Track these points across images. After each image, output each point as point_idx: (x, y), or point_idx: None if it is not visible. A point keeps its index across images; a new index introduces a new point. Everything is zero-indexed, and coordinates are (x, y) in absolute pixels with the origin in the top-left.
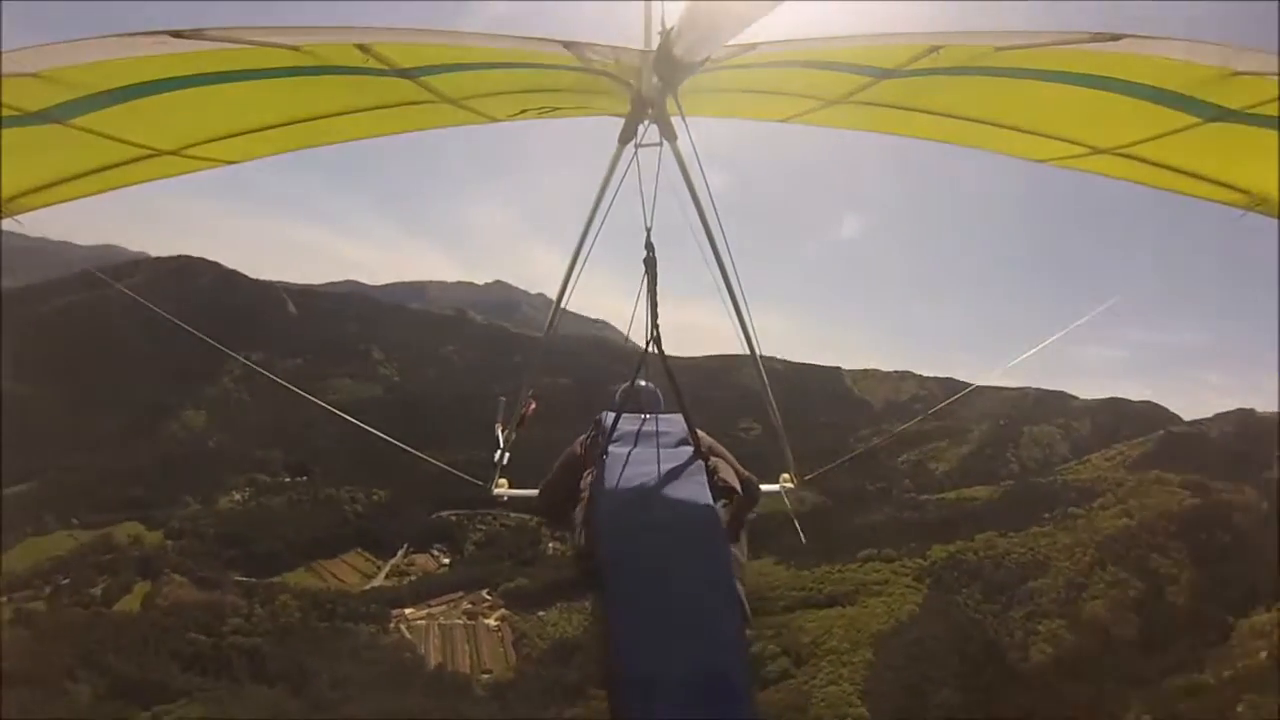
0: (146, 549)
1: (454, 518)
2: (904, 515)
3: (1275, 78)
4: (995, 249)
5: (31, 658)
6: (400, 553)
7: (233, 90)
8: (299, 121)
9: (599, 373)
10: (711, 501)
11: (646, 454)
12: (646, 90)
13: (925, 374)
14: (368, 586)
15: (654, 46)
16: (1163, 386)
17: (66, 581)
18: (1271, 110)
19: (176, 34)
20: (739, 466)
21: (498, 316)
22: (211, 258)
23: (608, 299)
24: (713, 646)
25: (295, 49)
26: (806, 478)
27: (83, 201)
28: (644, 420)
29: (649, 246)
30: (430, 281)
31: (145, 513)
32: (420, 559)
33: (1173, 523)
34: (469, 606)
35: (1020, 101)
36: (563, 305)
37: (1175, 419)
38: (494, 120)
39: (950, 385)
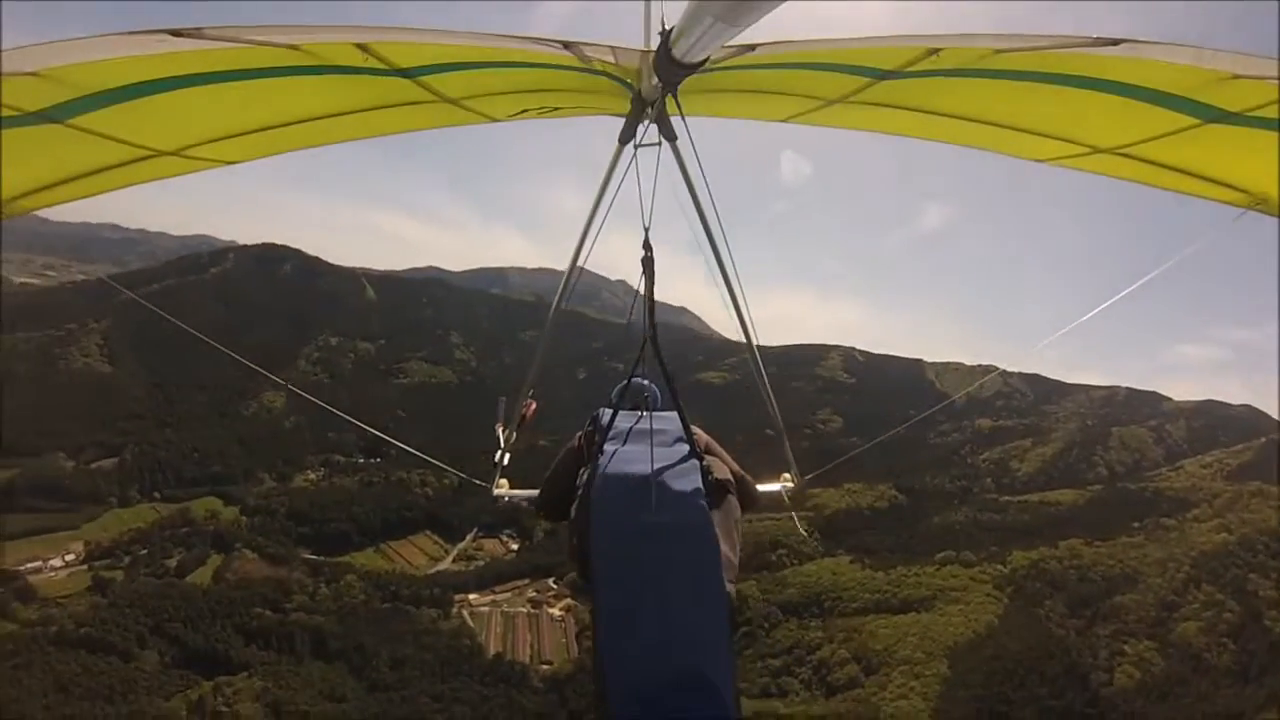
0: (222, 524)
1: (525, 503)
2: (984, 517)
3: (1275, 81)
4: (1090, 239)
5: (104, 624)
6: (469, 537)
7: (232, 90)
8: (299, 122)
9: (678, 360)
10: (704, 501)
11: (641, 452)
12: (646, 90)
13: (1010, 369)
14: (433, 570)
15: (654, 47)
16: (1264, 389)
17: (145, 552)
18: (1271, 113)
19: (176, 33)
20: (735, 466)
21: (578, 302)
22: (299, 245)
23: (690, 284)
24: (695, 649)
25: (295, 48)
26: (808, 477)
27: (180, 194)
28: (640, 418)
29: (647, 246)
30: (511, 268)
31: (223, 489)
32: (489, 544)
33: (1274, 540)
34: (534, 595)
35: (1020, 102)
36: (561, 305)
37: (1277, 426)
38: (494, 120)
39: (1036, 381)
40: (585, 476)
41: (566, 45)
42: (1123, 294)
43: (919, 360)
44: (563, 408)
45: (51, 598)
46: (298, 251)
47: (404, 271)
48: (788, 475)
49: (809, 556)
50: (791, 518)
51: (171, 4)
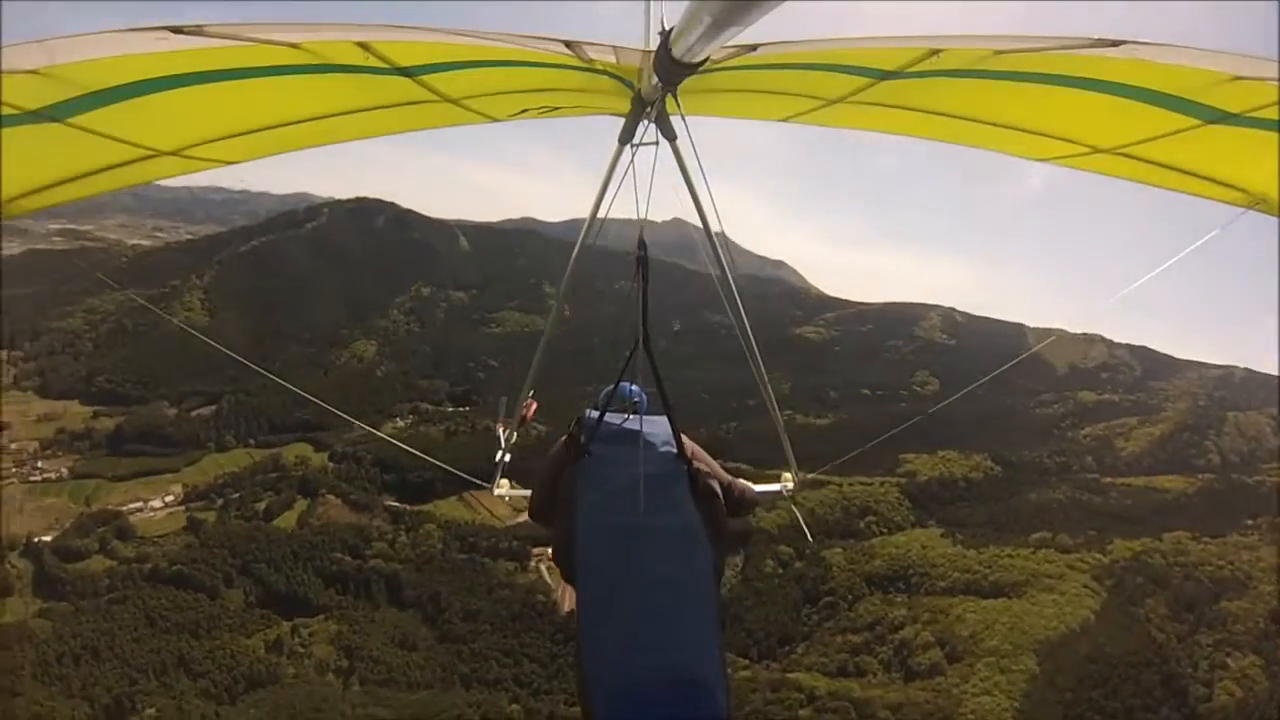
0: (310, 470)
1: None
2: (1084, 498)
3: (1275, 82)
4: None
5: (194, 563)
6: None
7: (233, 89)
8: (299, 121)
9: (775, 312)
10: (692, 506)
11: (627, 454)
12: (646, 90)
13: (1116, 340)
14: (514, 522)
15: (654, 46)
16: None
17: (236, 496)
18: (1271, 114)
19: (176, 30)
20: (722, 474)
21: (675, 254)
22: (394, 199)
23: (789, 238)
24: (686, 648)
25: (296, 47)
26: (808, 477)
27: (281, 154)
28: (627, 421)
29: (641, 245)
30: (612, 220)
31: (313, 435)
32: None
33: None
34: None
35: (1020, 102)
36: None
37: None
38: (494, 119)
39: (1144, 355)
40: (570, 478)
41: (568, 44)
42: (1158, 270)
43: (1020, 325)
44: (660, 357)
45: (149, 536)
46: (392, 204)
47: (498, 222)
48: (788, 475)
49: (899, 526)
50: (794, 516)
51: (172, 4)
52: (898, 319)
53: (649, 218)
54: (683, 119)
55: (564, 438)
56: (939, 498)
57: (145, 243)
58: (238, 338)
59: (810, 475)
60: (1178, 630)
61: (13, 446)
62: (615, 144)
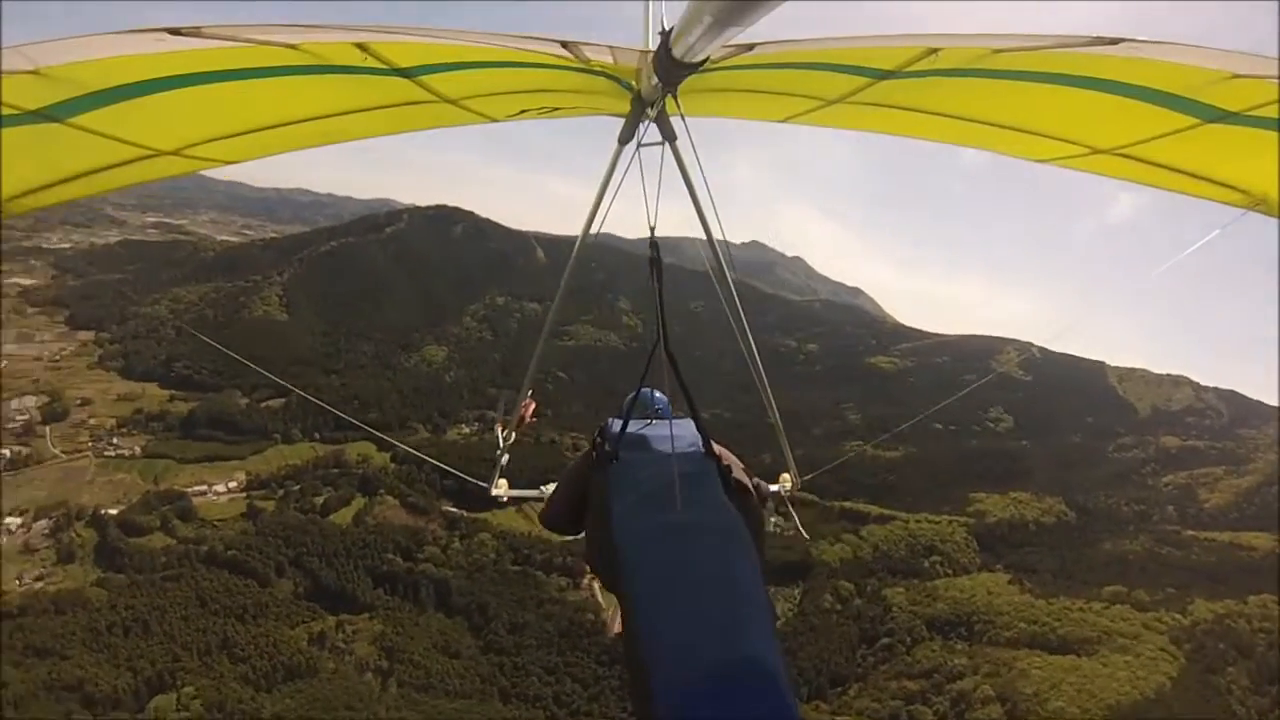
0: (371, 469)
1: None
2: (1163, 552)
3: (1275, 81)
4: None
5: (249, 549)
6: None
7: (232, 89)
8: (298, 122)
9: (849, 340)
10: (728, 503)
11: (655, 458)
12: (646, 90)
13: (1203, 382)
14: (572, 536)
15: (654, 46)
16: None
17: (297, 488)
18: (1271, 112)
19: (174, 31)
20: (748, 474)
21: (751, 275)
22: (473, 208)
23: (867, 265)
24: (748, 639)
25: (294, 47)
26: (806, 478)
27: (368, 160)
28: (652, 425)
29: (654, 247)
30: (685, 238)
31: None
32: None
33: None
34: None
35: (1019, 102)
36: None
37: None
38: (493, 120)
39: (1233, 400)
40: (601, 486)
41: (565, 45)
42: (1158, 270)
43: (1101, 363)
44: (725, 380)
45: (209, 519)
46: (470, 214)
47: (576, 236)
48: (786, 476)
49: (964, 569)
50: (792, 517)
51: (173, 4)
52: (974, 352)
53: (657, 223)
54: (683, 119)
55: (587, 449)
56: (1008, 541)
57: (233, 239)
58: (311, 334)
59: (807, 476)
60: (1259, 705)
61: (91, 422)
62: (617, 144)
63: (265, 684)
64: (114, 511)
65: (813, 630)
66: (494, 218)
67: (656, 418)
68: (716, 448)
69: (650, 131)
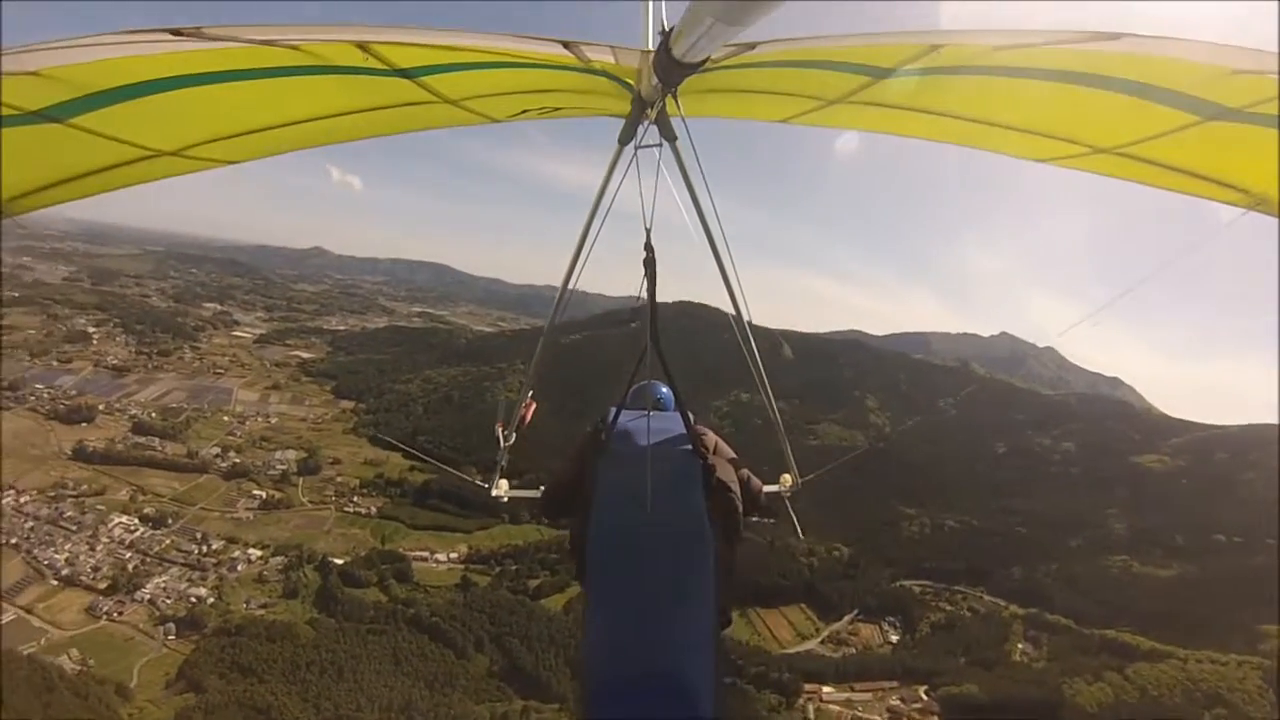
0: None
1: (919, 589)
2: None
3: (1274, 76)
4: None
5: (453, 620)
6: (846, 618)
7: (232, 90)
8: (298, 122)
9: (1110, 436)
10: (703, 502)
11: (644, 452)
12: (646, 91)
13: None
14: (793, 650)
15: (654, 47)
16: None
17: (515, 568)
18: (1271, 109)
19: (176, 32)
20: (741, 468)
21: (1002, 370)
22: (718, 305)
23: (1124, 353)
24: (676, 650)
25: (295, 48)
26: (806, 478)
27: (620, 258)
28: (647, 418)
29: (648, 248)
30: (933, 333)
31: None
32: (866, 630)
33: None
34: (897, 702)
35: (1020, 101)
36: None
37: None
38: (494, 120)
39: None
40: (593, 475)
41: (566, 45)
42: (1156, 271)
43: None
44: (975, 483)
45: (424, 584)
46: (716, 309)
47: (825, 333)
48: (787, 476)
49: None
50: (791, 518)
51: (173, 4)
52: (1256, 443)
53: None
54: (683, 120)
55: (590, 432)
56: None
57: (486, 329)
58: (549, 421)
59: (808, 477)
60: None
61: (338, 479)
62: (617, 145)
63: None
64: (340, 561)
65: None
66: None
67: (657, 409)
68: (710, 441)
69: (651, 133)
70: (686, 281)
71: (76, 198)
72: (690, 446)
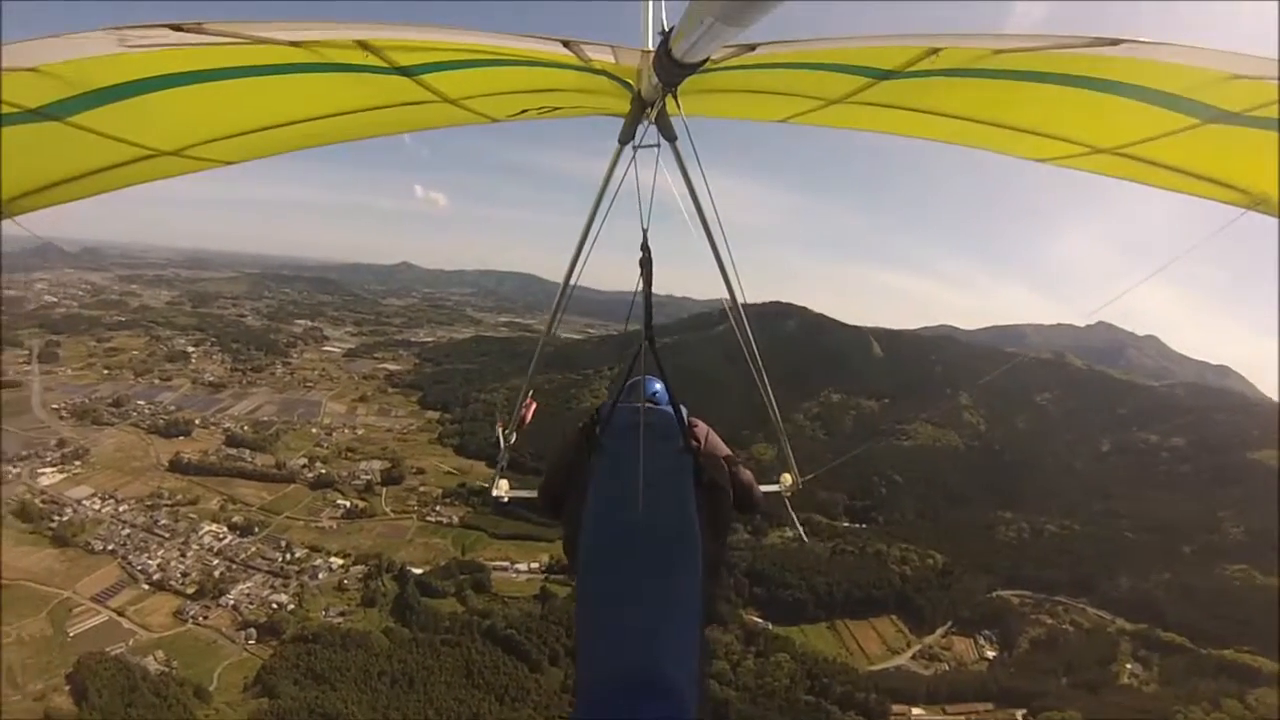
0: None
1: (1017, 600)
2: None
3: (1274, 81)
4: None
5: (529, 633)
6: (939, 631)
7: (233, 88)
8: (299, 121)
9: (1222, 430)
10: (691, 499)
11: (635, 449)
12: (646, 91)
13: None
14: (881, 666)
15: (654, 47)
16: None
17: None
18: (1270, 112)
19: (176, 28)
20: (733, 466)
21: (1100, 361)
22: (806, 304)
23: (1231, 339)
24: (662, 652)
25: (296, 45)
26: (807, 477)
27: (705, 264)
28: (640, 413)
29: (645, 248)
30: (1027, 325)
31: None
32: (961, 644)
33: None
34: None
35: (1020, 102)
36: (557, 314)
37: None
38: (494, 120)
39: None
40: (585, 475)
41: (566, 44)
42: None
43: None
44: (1076, 482)
45: (502, 594)
46: (803, 309)
47: (915, 330)
48: (786, 475)
49: None
50: (792, 519)
51: (173, 4)
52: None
53: (648, 218)
54: (683, 120)
55: (583, 425)
56: None
57: (575, 336)
58: None
59: (808, 476)
60: None
61: (421, 489)
62: (617, 145)
63: None
64: (419, 571)
65: None
66: (828, 313)
67: (651, 403)
68: (702, 434)
69: (651, 132)
70: (784, 282)
71: (77, 198)
72: (682, 443)
